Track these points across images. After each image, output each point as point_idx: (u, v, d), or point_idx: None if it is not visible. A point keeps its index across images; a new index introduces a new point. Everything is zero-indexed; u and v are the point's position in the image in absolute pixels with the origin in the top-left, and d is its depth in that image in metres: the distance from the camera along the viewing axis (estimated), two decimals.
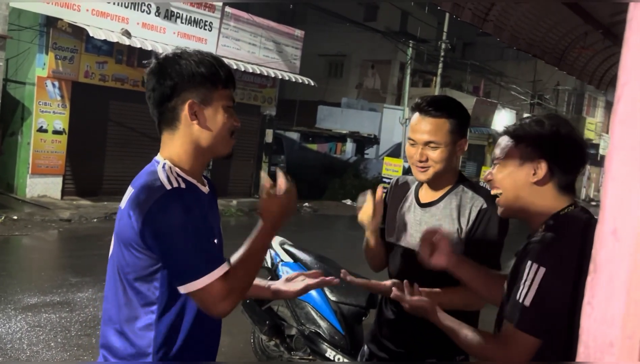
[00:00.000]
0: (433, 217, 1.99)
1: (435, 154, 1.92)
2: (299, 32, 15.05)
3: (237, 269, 1.43)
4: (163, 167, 1.46)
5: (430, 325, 1.70)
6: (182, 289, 1.38)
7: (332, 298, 3.89)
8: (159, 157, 1.52)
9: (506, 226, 1.95)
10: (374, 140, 20.81)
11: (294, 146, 18.88)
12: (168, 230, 1.37)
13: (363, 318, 3.96)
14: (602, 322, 0.55)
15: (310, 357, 3.88)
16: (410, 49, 19.21)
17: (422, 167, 1.94)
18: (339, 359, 3.74)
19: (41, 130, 10.74)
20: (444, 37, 19.43)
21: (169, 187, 1.39)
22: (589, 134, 31.72)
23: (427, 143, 1.92)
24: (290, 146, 18.40)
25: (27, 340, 4.38)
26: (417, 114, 1.97)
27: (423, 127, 1.93)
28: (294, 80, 14.51)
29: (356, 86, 25.08)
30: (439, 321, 1.61)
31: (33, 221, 9.06)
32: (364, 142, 21.08)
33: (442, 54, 19.38)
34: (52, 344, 4.37)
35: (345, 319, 3.83)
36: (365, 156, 21.00)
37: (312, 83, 14.80)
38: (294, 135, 19.41)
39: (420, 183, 2.09)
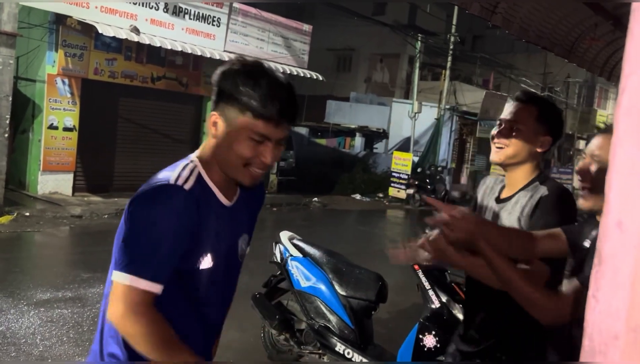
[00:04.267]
0: (505, 212, 2.01)
1: (515, 137, 1.97)
2: (307, 27, 15.02)
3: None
4: (187, 164, 1.42)
5: (511, 319, 1.80)
6: (113, 275, 1.33)
7: (342, 292, 3.89)
8: (194, 153, 1.49)
9: (569, 214, 1.89)
10: (383, 135, 20.76)
11: (303, 141, 18.88)
12: (139, 216, 1.33)
13: (372, 313, 3.96)
14: (606, 315, 0.54)
15: (320, 351, 3.89)
16: (419, 43, 19.11)
17: (499, 147, 2.01)
18: (348, 353, 3.75)
19: (52, 127, 10.82)
20: (453, 30, 19.30)
21: (172, 182, 1.35)
22: (600, 126, 31.44)
23: (511, 125, 1.98)
24: (299, 141, 18.41)
25: (40, 335, 4.42)
26: (513, 102, 2.05)
27: (513, 110, 2.01)
28: (302, 75, 14.49)
29: (365, 80, 25.01)
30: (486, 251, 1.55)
31: (45, 217, 9.14)
32: (372, 136, 21.03)
33: (451, 47, 19.27)
34: (65, 339, 4.42)
35: (354, 314, 3.84)
36: (374, 150, 20.96)
37: (321, 78, 14.77)
38: (303, 130, 19.41)
39: (504, 183, 2.13)
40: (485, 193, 2.19)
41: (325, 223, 12.10)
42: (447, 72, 19.45)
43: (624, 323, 0.53)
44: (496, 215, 2.04)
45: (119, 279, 1.31)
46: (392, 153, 18.13)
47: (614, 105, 35.28)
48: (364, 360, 3.71)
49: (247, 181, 1.44)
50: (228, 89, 1.37)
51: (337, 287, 3.90)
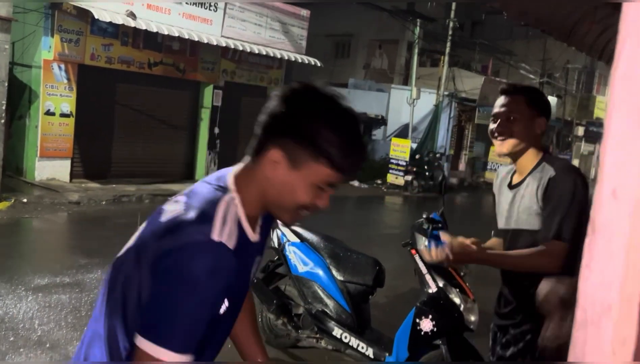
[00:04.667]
0: (519, 196, 2.19)
1: (512, 126, 2.13)
2: (304, 12, 14.91)
3: None
4: (226, 201, 1.19)
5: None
6: (138, 340, 1.11)
7: (339, 277, 3.90)
8: (231, 181, 1.24)
9: (579, 195, 2.01)
10: (381, 121, 20.67)
11: None
12: (177, 278, 1.10)
13: (370, 297, 3.98)
14: (600, 285, 0.53)
15: (318, 335, 3.90)
16: (418, 28, 18.99)
17: (501, 139, 2.16)
18: (346, 337, 3.77)
19: (49, 113, 10.77)
20: (452, 16, 19.18)
21: (215, 238, 1.12)
22: (598, 113, 31.39)
23: (506, 116, 2.14)
24: None
25: (39, 320, 4.43)
26: (501, 96, 2.21)
27: (504, 102, 2.17)
28: (300, 60, 14.41)
29: (363, 66, 24.87)
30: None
31: (42, 204, 9.13)
32: (371, 123, 20.94)
33: (450, 32, 19.15)
34: (63, 323, 4.43)
35: (352, 298, 3.85)
36: (373, 137, 20.89)
37: (319, 64, 14.70)
38: None
39: (514, 170, 2.29)
40: (501, 184, 2.34)
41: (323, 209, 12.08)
42: (446, 58, 19.35)
43: (618, 293, 0.51)
44: (511, 201, 2.21)
45: (150, 351, 1.10)
46: (390, 139, 18.09)
47: None
48: (362, 344, 3.72)
49: (290, 221, 1.30)
50: (301, 126, 1.16)
51: (334, 272, 3.91)
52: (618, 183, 0.52)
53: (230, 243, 1.14)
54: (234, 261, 1.14)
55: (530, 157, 2.17)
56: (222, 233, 1.13)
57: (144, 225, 1.26)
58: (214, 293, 1.14)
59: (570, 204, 1.99)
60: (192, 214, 1.15)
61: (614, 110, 0.52)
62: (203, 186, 1.25)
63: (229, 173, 1.27)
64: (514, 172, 2.29)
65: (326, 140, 1.14)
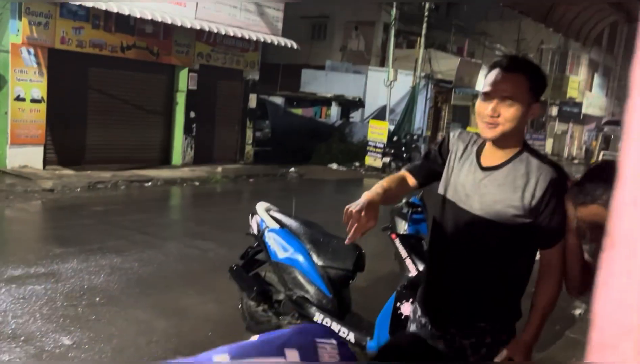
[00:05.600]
0: (494, 182, 1.94)
1: (508, 112, 1.85)
2: None
3: None
4: None
5: (465, 292, 2.01)
6: None
7: (319, 262, 3.88)
8: None
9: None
10: (359, 103, 20.63)
11: (279, 111, 18.65)
12: None
13: (350, 282, 3.97)
14: (619, 304, 0.48)
15: (299, 321, 3.89)
16: (395, 10, 18.89)
17: (492, 124, 1.88)
18: (327, 322, 3.76)
19: (19, 99, 10.48)
20: None
21: None
22: (572, 93, 31.76)
23: (503, 99, 1.85)
24: (274, 111, 18.18)
25: (12, 313, 4.33)
26: (497, 70, 1.89)
27: (502, 81, 1.86)
28: (276, 43, 14.24)
29: (340, 48, 24.71)
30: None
31: (15, 192, 8.92)
32: (349, 105, 20.89)
33: (426, 14, 19.10)
34: (38, 315, 4.34)
35: (332, 283, 3.83)
36: (351, 119, 20.85)
37: (296, 47, 14.54)
38: (278, 100, 19.15)
39: (483, 144, 2.03)
40: (464, 153, 2.06)
41: (303, 194, 12.06)
42: (422, 40, 19.32)
43: (638, 314, 0.47)
44: (481, 182, 1.96)
45: None
46: (368, 122, 18.06)
47: (585, 70, 35.49)
48: (343, 329, 3.72)
49: None
50: None
51: (314, 257, 3.88)
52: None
53: None
54: None
55: (510, 142, 1.93)
56: None
57: None
58: None
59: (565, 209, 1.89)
60: None
61: (634, 115, 0.47)
62: None
63: None
64: (482, 147, 2.02)
65: None
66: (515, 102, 1.84)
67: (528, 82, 1.86)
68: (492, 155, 1.98)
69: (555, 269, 1.94)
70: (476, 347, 2.01)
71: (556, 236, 1.91)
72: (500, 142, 1.93)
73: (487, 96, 1.88)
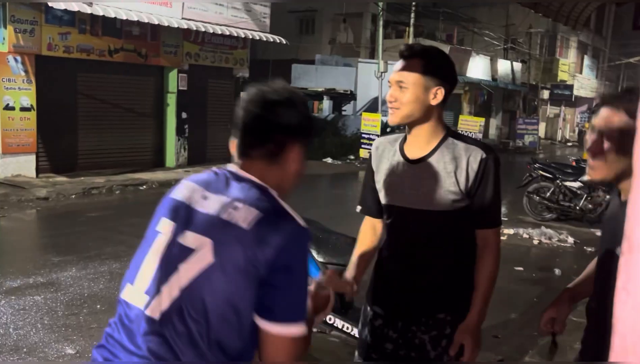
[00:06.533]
0: (426, 172, 1.94)
1: (404, 96, 1.90)
2: None
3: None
4: (276, 195, 1.40)
5: (422, 283, 2.00)
6: (276, 326, 1.26)
7: (319, 258, 3.87)
8: (257, 180, 1.41)
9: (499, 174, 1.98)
10: (350, 96, 20.58)
11: None
12: (301, 262, 1.32)
13: None
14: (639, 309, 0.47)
15: None
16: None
17: (392, 108, 1.94)
18: (329, 318, 3.75)
19: (8, 107, 10.40)
20: None
21: (302, 224, 1.33)
22: (562, 75, 31.82)
23: (397, 83, 1.92)
24: None
25: (13, 324, 4.30)
26: (400, 59, 1.96)
27: (398, 68, 1.94)
28: (265, 39, 14.18)
29: (329, 42, 24.65)
30: None
31: (9, 201, 8.86)
32: (340, 98, 20.85)
33: (414, 3, 19.06)
34: (39, 326, 4.31)
35: None
36: (343, 113, 20.83)
37: (284, 42, 14.48)
38: None
39: (404, 139, 2.05)
40: (385, 156, 2.07)
41: (298, 189, 11.95)
42: (411, 29, 19.29)
43: None
44: (414, 176, 1.97)
45: (291, 331, 1.27)
46: (361, 114, 18.05)
47: (575, 53, 35.48)
48: (346, 324, 3.71)
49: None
50: (308, 126, 1.50)
51: (314, 254, 3.87)
52: None
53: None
54: None
55: (430, 130, 1.95)
56: (299, 219, 1.34)
57: (208, 245, 1.30)
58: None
59: (500, 188, 1.95)
60: (273, 212, 1.33)
61: None
62: (238, 188, 1.38)
63: (242, 172, 1.41)
64: (403, 143, 2.03)
65: (312, 131, 1.53)
66: (409, 85, 1.89)
67: (421, 65, 1.89)
68: (417, 148, 1.99)
69: (493, 247, 1.96)
70: (436, 340, 1.99)
71: (492, 215, 1.95)
72: (419, 131, 1.96)
73: (389, 84, 1.96)
